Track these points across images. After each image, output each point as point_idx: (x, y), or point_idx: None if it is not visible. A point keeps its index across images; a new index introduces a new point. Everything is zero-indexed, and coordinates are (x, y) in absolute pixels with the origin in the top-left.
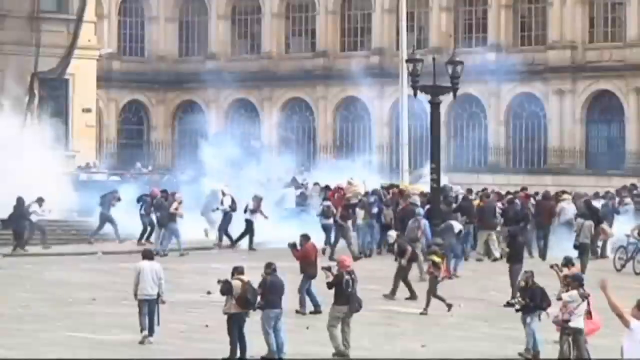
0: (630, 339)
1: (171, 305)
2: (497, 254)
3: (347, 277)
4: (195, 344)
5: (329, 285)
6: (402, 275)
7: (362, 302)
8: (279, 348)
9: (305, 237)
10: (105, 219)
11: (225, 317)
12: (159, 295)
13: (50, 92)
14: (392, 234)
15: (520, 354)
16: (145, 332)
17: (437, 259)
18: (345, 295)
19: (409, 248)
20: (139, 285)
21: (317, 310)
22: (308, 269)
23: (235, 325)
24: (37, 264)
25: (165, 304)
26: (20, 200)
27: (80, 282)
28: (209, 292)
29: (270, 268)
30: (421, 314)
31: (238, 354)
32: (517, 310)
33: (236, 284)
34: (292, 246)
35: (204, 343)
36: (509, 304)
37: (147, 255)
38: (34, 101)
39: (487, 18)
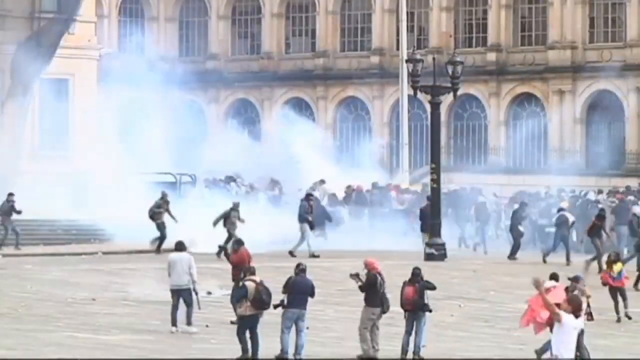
0: (560, 332)
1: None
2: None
3: (379, 278)
4: (195, 344)
5: (361, 289)
6: None
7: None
8: (297, 349)
9: (239, 242)
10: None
11: (236, 318)
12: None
13: (50, 92)
14: None
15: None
16: (175, 328)
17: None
18: (378, 296)
19: None
20: (171, 277)
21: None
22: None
23: (246, 327)
24: (37, 264)
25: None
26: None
27: (80, 282)
28: (209, 292)
29: (298, 268)
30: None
31: (250, 354)
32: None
33: (250, 285)
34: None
35: (204, 343)
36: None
37: (178, 247)
38: (32, 101)
39: (487, 18)
